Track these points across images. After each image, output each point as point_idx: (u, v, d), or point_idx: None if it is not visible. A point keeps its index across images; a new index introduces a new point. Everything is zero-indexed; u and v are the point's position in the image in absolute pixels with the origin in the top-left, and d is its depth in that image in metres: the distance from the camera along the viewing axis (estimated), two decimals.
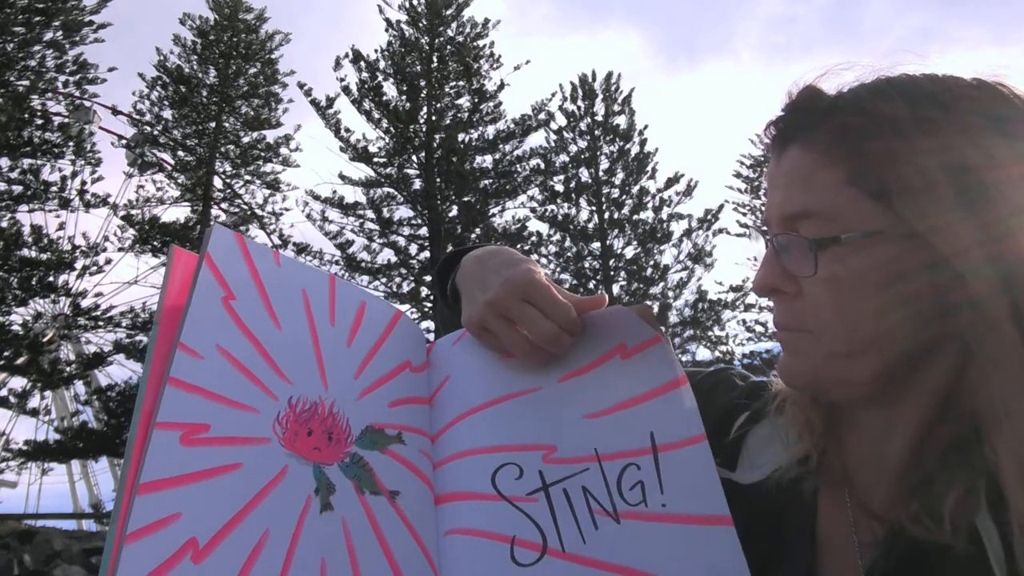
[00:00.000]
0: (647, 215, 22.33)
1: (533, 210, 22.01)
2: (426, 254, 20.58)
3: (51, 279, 19.48)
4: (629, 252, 22.18)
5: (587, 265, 22.01)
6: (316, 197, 20.66)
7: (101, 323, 20.70)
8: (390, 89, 21.41)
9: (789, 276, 0.73)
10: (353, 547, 0.68)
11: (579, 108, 23.21)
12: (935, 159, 0.65)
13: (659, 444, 0.77)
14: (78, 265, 20.10)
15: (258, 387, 0.70)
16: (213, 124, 22.54)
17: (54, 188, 19.97)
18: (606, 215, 22.34)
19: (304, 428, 0.71)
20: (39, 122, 19.96)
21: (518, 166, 21.84)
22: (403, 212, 21.01)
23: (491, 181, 21.49)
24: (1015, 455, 0.61)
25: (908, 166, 0.65)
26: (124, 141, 21.57)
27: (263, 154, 23.12)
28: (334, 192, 20.97)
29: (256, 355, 0.71)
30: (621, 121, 23.06)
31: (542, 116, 22.05)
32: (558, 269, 22.18)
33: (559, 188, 22.49)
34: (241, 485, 0.64)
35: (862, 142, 0.68)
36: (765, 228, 0.78)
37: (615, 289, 21.83)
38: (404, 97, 21.27)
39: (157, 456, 0.59)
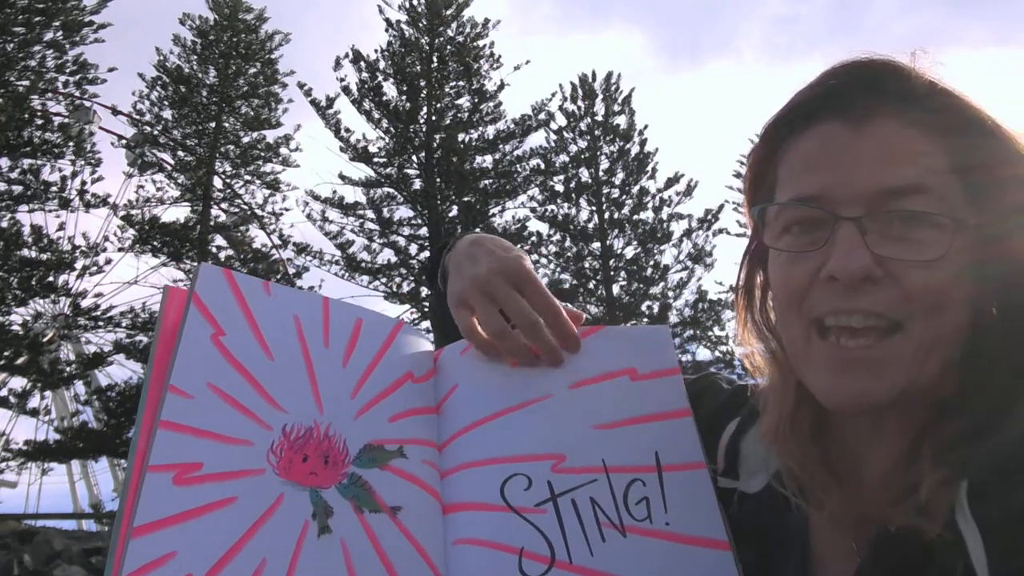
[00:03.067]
0: (647, 215, 22.36)
1: (533, 210, 22.05)
2: (426, 254, 20.58)
3: (51, 279, 19.51)
4: (629, 252, 22.22)
5: (587, 265, 22.03)
6: (316, 197, 20.71)
7: (101, 323, 20.73)
8: (390, 89, 21.46)
9: (878, 258, 0.67)
10: (353, 567, 0.68)
11: (579, 108, 23.22)
12: (1011, 167, 0.67)
13: (663, 464, 0.79)
14: (78, 265, 20.15)
15: (251, 419, 0.70)
16: (213, 124, 22.55)
17: (54, 188, 20.02)
18: (606, 215, 22.35)
19: (299, 455, 0.72)
20: (39, 122, 19.99)
21: (518, 166, 21.87)
22: (403, 212, 21.07)
23: (491, 181, 21.50)
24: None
25: (999, 169, 0.67)
26: (124, 141, 21.60)
27: (263, 154, 23.14)
28: (334, 192, 21.02)
29: (248, 388, 0.72)
30: (621, 121, 23.09)
31: (542, 116, 22.09)
32: (558, 269, 22.20)
33: (559, 188, 22.51)
34: (236, 518, 0.64)
35: (963, 134, 0.68)
36: (831, 209, 0.69)
37: (615, 289, 21.84)
38: (404, 97, 21.28)
39: (150, 499, 0.60)
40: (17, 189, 19.57)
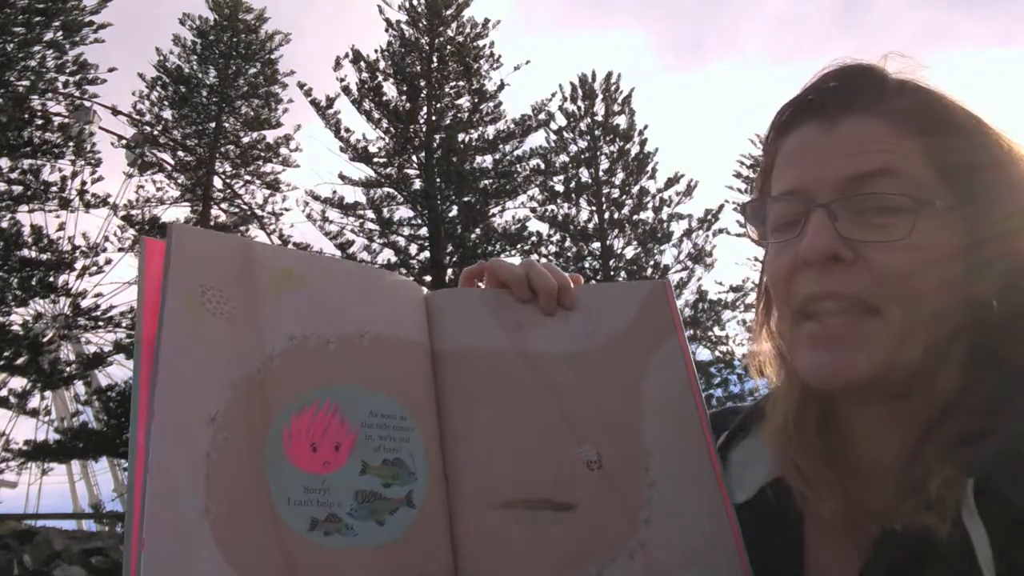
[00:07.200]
0: (647, 215, 22.37)
1: (533, 210, 22.04)
2: (426, 254, 20.59)
3: (51, 279, 19.49)
4: (629, 252, 22.22)
5: (587, 265, 22.02)
6: (316, 197, 20.70)
7: (101, 323, 20.71)
8: (390, 89, 21.45)
9: (847, 242, 0.69)
10: None
11: (579, 108, 23.22)
12: (989, 157, 0.70)
13: None
14: (78, 265, 20.12)
15: None
16: (213, 124, 22.53)
17: (54, 188, 19.98)
18: (606, 215, 22.35)
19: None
20: (39, 122, 19.96)
21: (518, 166, 21.86)
22: (403, 212, 21.06)
23: (491, 181, 21.49)
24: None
25: (978, 158, 0.69)
26: (124, 141, 21.59)
27: (263, 154, 23.12)
28: (334, 192, 20.99)
29: None
30: (621, 121, 23.10)
31: (542, 116, 22.08)
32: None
33: (559, 188, 22.51)
34: None
35: (937, 124, 0.70)
36: (805, 200, 0.73)
37: None
38: (404, 97, 21.27)
39: None
40: (17, 189, 19.55)
